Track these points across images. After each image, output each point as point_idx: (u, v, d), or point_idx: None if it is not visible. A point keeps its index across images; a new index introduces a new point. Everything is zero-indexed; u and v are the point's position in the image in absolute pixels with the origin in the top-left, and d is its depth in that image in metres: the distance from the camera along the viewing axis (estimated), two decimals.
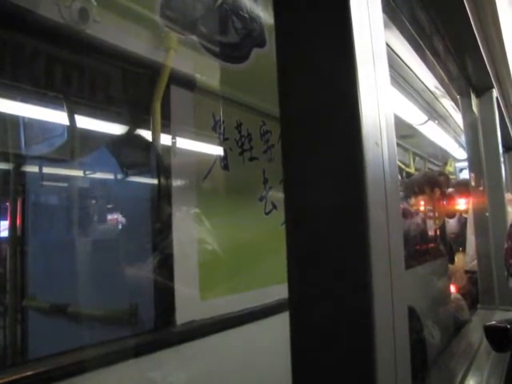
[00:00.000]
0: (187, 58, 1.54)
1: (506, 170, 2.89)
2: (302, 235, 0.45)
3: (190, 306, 1.43)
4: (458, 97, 2.27)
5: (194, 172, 1.53)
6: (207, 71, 1.61)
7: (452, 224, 3.37)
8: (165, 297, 1.38)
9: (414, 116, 3.39)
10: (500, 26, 1.65)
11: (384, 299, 0.43)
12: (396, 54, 2.20)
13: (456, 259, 2.93)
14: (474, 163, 2.22)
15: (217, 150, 1.65)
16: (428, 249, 2.57)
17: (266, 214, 1.82)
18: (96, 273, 1.50)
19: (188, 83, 1.54)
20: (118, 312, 1.46)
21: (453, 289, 2.66)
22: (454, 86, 2.19)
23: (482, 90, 2.16)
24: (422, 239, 2.54)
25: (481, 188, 2.15)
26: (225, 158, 1.65)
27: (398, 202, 0.54)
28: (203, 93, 1.58)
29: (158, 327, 1.37)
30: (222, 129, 1.64)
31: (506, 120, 2.67)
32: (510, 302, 1.96)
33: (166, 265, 1.39)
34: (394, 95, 2.69)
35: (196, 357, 1.37)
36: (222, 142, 1.65)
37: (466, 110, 2.23)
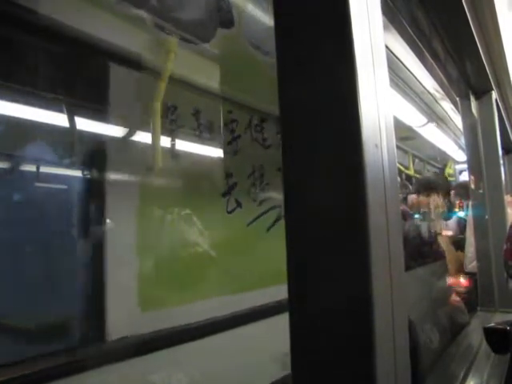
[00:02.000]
0: (132, 34, 1.32)
1: (505, 172, 2.90)
2: (302, 237, 0.46)
3: (126, 318, 1.21)
4: (458, 99, 2.27)
5: (136, 164, 1.31)
6: (159, 50, 1.39)
7: (451, 226, 3.37)
8: (93, 308, 1.17)
9: (414, 118, 3.40)
10: (499, 29, 1.65)
11: (383, 300, 0.43)
12: (395, 57, 2.21)
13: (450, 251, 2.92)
14: (474, 165, 2.22)
15: (167, 140, 1.42)
16: (427, 251, 2.57)
17: (229, 212, 1.59)
18: (5, 280, 1.18)
19: (132, 62, 1.29)
20: (34, 326, 1.15)
21: (452, 288, 2.66)
22: (454, 88, 2.19)
23: (482, 93, 2.17)
24: (421, 241, 2.54)
25: (480, 190, 2.15)
26: (177, 148, 1.44)
27: (398, 204, 0.54)
28: (153, 74, 1.36)
29: (84, 344, 1.14)
30: (174, 115, 1.43)
31: (506, 122, 2.68)
32: (510, 303, 1.96)
33: (95, 272, 1.18)
34: (393, 97, 2.69)
35: (131, 378, 1.15)
36: (175, 130, 1.43)
37: (465, 113, 2.24)
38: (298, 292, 0.45)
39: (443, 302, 2.46)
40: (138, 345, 1.18)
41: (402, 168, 4.09)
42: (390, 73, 0.58)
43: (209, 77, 1.55)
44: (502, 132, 2.32)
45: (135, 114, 1.31)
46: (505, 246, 1.47)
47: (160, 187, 1.38)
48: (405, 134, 3.74)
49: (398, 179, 0.60)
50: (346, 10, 0.43)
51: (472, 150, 2.23)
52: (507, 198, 2.24)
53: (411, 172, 4.35)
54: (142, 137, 1.36)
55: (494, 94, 2.16)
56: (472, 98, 2.16)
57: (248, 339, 1.34)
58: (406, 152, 4.36)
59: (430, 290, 2.30)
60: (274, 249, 1.82)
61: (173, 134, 1.43)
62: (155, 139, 1.39)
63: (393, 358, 0.44)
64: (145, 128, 1.36)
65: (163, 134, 1.39)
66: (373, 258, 0.41)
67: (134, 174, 1.31)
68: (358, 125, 0.42)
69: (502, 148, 2.49)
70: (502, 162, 2.26)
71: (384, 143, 0.47)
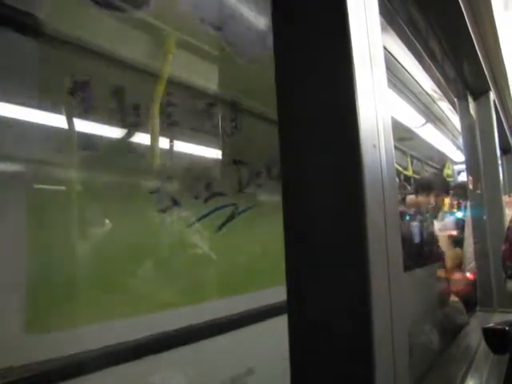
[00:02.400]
0: None
1: (503, 172, 2.90)
2: (301, 237, 0.46)
3: (3, 344, 0.92)
4: (456, 100, 2.28)
5: (27, 154, 1.04)
6: (68, 15, 1.13)
7: (450, 226, 3.37)
8: None
9: (412, 119, 3.40)
10: (496, 30, 1.66)
11: (382, 300, 0.43)
12: (393, 57, 2.21)
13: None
14: (472, 166, 2.23)
15: (76, 123, 1.15)
16: (426, 251, 2.58)
17: (162, 211, 1.34)
18: None
19: (29, 28, 1.03)
20: None
21: (451, 287, 2.66)
22: (452, 88, 2.20)
23: (480, 93, 2.17)
24: (420, 242, 2.54)
25: (478, 191, 2.16)
26: (89, 133, 1.18)
27: (396, 204, 0.54)
28: (59, 44, 1.10)
29: None
30: (86, 93, 1.16)
31: (503, 123, 2.69)
32: (509, 304, 1.97)
33: None
34: (391, 98, 2.70)
35: None
36: (86, 111, 1.17)
37: (463, 113, 2.24)
38: (297, 293, 0.45)
39: (442, 302, 2.46)
40: (16, 380, 0.89)
41: (400, 169, 4.10)
42: (387, 74, 0.58)
43: (135, 48, 1.29)
44: (499, 132, 2.33)
45: (29, 89, 1.05)
46: (503, 247, 1.48)
47: (65, 181, 1.13)
48: (403, 135, 3.74)
49: (397, 180, 0.60)
50: (344, 11, 0.43)
51: (470, 150, 2.23)
52: (505, 198, 2.24)
53: (409, 173, 4.35)
54: (40, 120, 1.08)
55: (492, 95, 2.17)
56: (470, 99, 2.17)
57: (178, 367, 1.11)
58: (404, 153, 4.36)
59: (429, 290, 2.30)
60: (225, 254, 1.53)
61: (85, 116, 1.15)
62: (153, 140, 1.38)
63: (392, 358, 0.44)
64: (51, 107, 1.09)
65: (70, 115, 1.13)
66: (371, 258, 0.41)
67: (24, 166, 1.05)
68: (357, 125, 0.42)
69: (500, 148, 2.50)
70: (499, 162, 2.27)
71: (382, 143, 0.47)
